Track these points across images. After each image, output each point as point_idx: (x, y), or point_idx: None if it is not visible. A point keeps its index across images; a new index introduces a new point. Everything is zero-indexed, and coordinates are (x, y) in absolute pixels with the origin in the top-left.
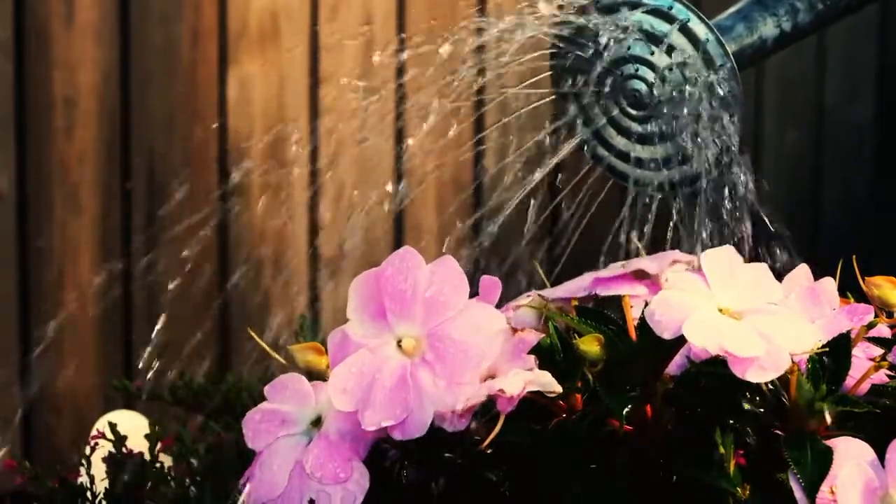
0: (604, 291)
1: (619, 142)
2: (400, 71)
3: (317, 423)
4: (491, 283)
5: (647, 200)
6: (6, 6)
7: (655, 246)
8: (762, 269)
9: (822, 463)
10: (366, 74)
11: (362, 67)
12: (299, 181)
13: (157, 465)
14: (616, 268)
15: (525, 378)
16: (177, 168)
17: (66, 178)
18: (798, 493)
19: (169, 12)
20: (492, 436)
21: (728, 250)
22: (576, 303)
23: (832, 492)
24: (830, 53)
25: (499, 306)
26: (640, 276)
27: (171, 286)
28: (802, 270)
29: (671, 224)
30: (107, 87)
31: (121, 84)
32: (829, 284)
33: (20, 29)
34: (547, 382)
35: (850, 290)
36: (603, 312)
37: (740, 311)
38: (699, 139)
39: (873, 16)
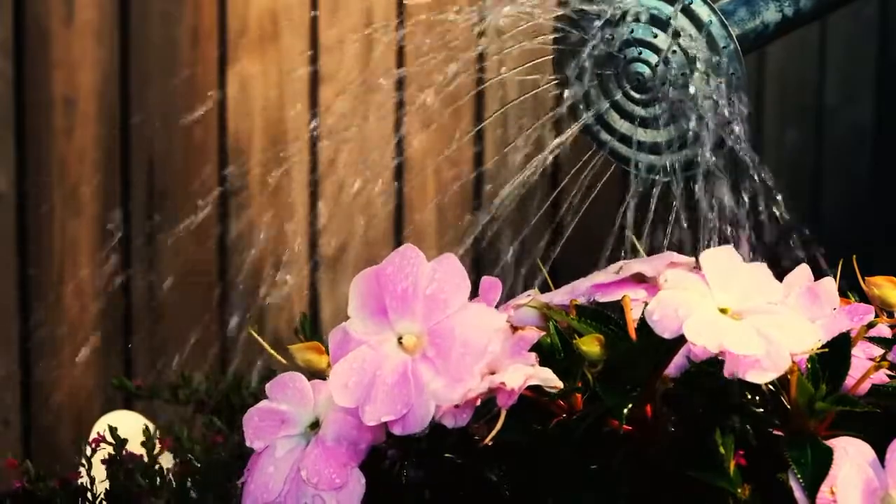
0: (603, 298)
1: (622, 125)
2: (399, 69)
3: (314, 425)
4: (491, 283)
5: (650, 184)
6: (6, 6)
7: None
8: (762, 268)
9: (822, 463)
10: (366, 74)
11: (362, 67)
12: (299, 181)
13: (156, 466)
14: (613, 271)
15: (526, 372)
16: (177, 168)
17: (66, 178)
18: (798, 493)
19: (169, 12)
20: (492, 433)
21: (728, 249)
22: (576, 302)
23: (832, 492)
24: (830, 53)
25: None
26: (638, 279)
27: (170, 286)
28: (802, 270)
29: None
30: (107, 87)
31: (121, 84)
32: (829, 284)
33: (20, 29)
34: (548, 377)
35: (850, 290)
36: (603, 312)
37: (740, 311)
38: (704, 121)
39: (873, 16)
